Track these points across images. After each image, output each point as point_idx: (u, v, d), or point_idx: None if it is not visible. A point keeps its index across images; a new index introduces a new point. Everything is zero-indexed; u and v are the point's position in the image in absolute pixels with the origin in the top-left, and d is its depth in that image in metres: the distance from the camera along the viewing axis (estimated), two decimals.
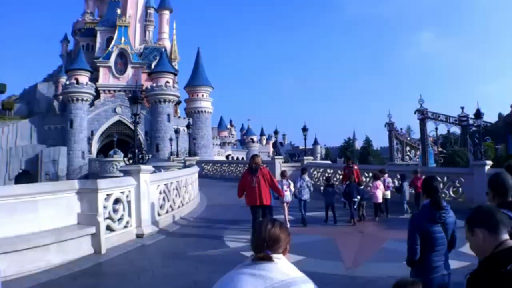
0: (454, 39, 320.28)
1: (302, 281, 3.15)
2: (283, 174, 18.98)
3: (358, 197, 18.34)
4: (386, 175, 20.88)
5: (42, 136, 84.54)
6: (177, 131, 70.20)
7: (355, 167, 23.20)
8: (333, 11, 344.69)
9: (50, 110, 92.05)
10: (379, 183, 19.23)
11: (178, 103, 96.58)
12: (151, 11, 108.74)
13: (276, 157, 42.96)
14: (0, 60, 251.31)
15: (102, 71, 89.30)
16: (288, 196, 17.51)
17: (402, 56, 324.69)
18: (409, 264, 6.02)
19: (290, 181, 18.60)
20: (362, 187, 20.30)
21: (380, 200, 18.86)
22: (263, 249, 3.24)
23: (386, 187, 19.98)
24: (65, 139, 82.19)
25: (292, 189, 18.25)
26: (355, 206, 18.23)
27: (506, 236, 3.36)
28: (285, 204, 17.29)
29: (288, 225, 15.36)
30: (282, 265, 3.21)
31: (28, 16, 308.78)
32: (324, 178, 29.12)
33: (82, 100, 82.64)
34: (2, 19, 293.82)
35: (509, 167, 6.39)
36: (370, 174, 25.83)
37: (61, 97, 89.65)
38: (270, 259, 3.20)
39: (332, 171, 31.59)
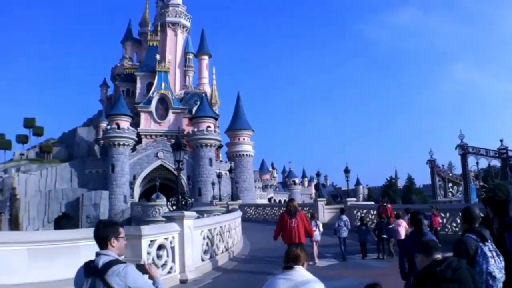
0: (487, 69, 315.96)
1: (315, 281, 4.96)
2: (313, 216, 22.15)
3: (385, 236, 20.56)
4: (409, 214, 21.02)
5: (83, 179, 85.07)
6: (219, 176, 69.96)
7: (388, 206, 24.71)
8: (366, 48, 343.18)
9: (91, 154, 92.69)
10: (401, 221, 20.32)
11: (220, 147, 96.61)
12: (190, 56, 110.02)
13: (318, 199, 42.85)
14: (39, 104, 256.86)
15: (143, 116, 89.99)
16: (317, 235, 19.71)
17: (437, 90, 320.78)
18: (403, 278, 8.33)
19: (319, 222, 21.73)
20: (392, 225, 20.95)
21: (403, 236, 19.65)
22: (289, 262, 5.16)
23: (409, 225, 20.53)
24: (106, 183, 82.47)
25: (321, 229, 21.21)
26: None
27: (437, 256, 5.15)
28: (314, 243, 19.30)
29: (317, 261, 18.95)
30: (302, 272, 5.06)
31: (65, 61, 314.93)
32: (358, 218, 30.71)
33: (124, 145, 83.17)
34: (40, 63, 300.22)
35: (485, 200, 7.64)
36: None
37: (102, 141, 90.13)
38: (293, 268, 5.09)
39: (374, 211, 31.21)
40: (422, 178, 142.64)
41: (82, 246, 10.88)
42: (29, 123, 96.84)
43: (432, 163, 49.81)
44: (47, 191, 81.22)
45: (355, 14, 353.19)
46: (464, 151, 44.32)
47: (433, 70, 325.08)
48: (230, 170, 68.29)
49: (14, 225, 74.77)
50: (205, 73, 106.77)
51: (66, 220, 78.59)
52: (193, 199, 29.33)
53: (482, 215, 6.55)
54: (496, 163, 48.02)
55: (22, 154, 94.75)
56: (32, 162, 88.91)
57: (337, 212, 34.30)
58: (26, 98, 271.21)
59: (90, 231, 12.71)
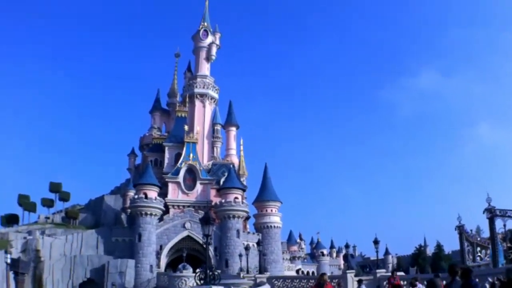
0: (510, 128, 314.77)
1: None
2: (339, 285, 25.90)
3: None
4: (418, 283, 23.83)
5: (109, 247, 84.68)
6: (247, 248, 69.99)
7: (397, 276, 27.84)
8: (389, 114, 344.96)
9: (118, 222, 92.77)
10: None
11: (247, 218, 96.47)
12: (218, 127, 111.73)
13: (348, 271, 42.51)
14: (65, 170, 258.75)
15: (171, 187, 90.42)
16: None
17: (462, 152, 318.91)
18: None
19: None
20: None
21: None
22: None
23: None
24: (133, 251, 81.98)
25: None
26: None
27: None
28: None
29: None
30: None
31: (94, 130, 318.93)
32: None
33: (151, 214, 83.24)
34: (69, 132, 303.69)
35: (449, 267, 9.62)
36: (425, 282, 26.32)
37: (129, 210, 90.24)
38: None
39: (405, 282, 31.40)
40: (451, 244, 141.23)
41: None
42: (55, 187, 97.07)
43: (460, 228, 49.81)
44: (72, 256, 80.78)
45: (375, 79, 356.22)
46: (492, 214, 44.43)
47: (457, 132, 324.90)
48: (258, 243, 68.13)
49: (38, 286, 74.65)
50: (233, 144, 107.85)
51: (91, 286, 78.25)
52: (219, 271, 29.67)
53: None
54: None
55: (47, 218, 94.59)
56: (58, 226, 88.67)
57: (367, 284, 34.60)
58: (53, 163, 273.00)
59: None
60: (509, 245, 48.73)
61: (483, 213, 45.47)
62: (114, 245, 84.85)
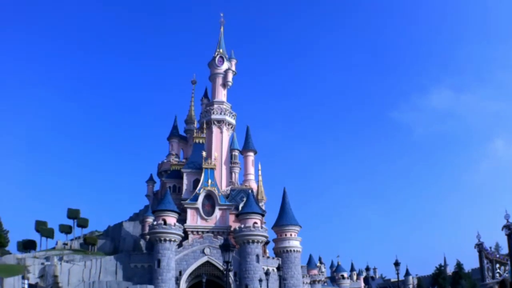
0: None
1: None
2: None
3: None
4: None
5: (128, 273, 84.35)
6: (267, 273, 69.45)
7: None
8: (403, 135, 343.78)
9: (136, 248, 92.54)
10: None
11: (267, 243, 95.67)
12: (236, 153, 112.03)
13: None
14: (83, 197, 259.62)
15: (189, 213, 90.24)
16: None
17: (478, 170, 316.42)
18: None
19: None
20: None
21: None
22: None
23: None
24: (152, 277, 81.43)
25: None
26: None
27: None
28: None
29: None
30: None
31: (112, 158, 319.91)
32: None
33: (170, 240, 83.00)
34: (85, 159, 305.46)
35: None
36: None
37: (148, 236, 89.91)
38: None
39: None
40: (471, 262, 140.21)
41: None
42: (73, 214, 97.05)
43: (480, 246, 49.37)
44: (91, 282, 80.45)
45: (386, 100, 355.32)
46: (510, 230, 44.15)
47: (473, 149, 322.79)
48: (278, 268, 67.67)
49: None
50: (251, 169, 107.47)
51: None
52: None
53: None
54: None
55: (65, 244, 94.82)
56: (76, 253, 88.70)
57: None
58: (72, 190, 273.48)
59: None
60: None
61: (502, 230, 45.28)
62: (133, 271, 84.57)
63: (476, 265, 58.10)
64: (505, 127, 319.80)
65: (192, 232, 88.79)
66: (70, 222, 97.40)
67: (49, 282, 77.58)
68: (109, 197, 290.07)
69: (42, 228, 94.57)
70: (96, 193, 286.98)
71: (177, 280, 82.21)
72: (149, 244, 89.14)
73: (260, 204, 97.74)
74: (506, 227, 44.31)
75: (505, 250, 61.89)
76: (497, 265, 49.06)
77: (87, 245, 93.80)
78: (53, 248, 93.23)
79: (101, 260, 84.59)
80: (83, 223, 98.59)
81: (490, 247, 53.77)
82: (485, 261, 48.85)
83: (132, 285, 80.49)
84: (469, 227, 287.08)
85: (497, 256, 52.33)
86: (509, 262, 45.46)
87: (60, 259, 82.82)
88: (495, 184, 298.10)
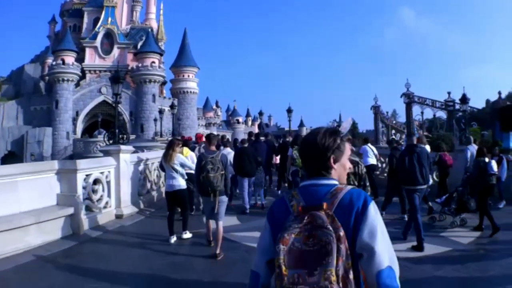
0: (437, 17, 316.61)
1: None
2: None
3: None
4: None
5: (28, 117, 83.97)
6: (161, 112, 70.12)
7: None
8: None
9: (37, 91, 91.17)
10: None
11: (164, 83, 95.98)
12: None
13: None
14: None
15: (88, 52, 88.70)
16: None
17: (383, 36, 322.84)
18: None
19: None
20: None
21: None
22: None
23: None
24: (50, 119, 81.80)
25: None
26: None
27: None
28: None
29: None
30: None
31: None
32: None
33: (68, 80, 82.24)
34: None
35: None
36: None
37: (47, 77, 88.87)
38: None
39: None
40: (366, 123, 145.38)
41: (20, 182, 11.06)
42: None
43: (376, 109, 50.29)
44: None
45: None
46: (409, 99, 45.18)
47: (379, 14, 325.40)
48: (171, 106, 68.04)
49: None
50: (153, 9, 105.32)
51: (12, 158, 77.61)
52: (134, 135, 29.65)
53: None
54: (441, 114, 49.06)
55: None
56: None
57: None
58: None
59: (28, 166, 13.02)
60: (425, 133, 49.98)
61: (401, 97, 46.19)
62: (33, 115, 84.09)
63: (371, 127, 59.67)
64: None
65: (89, 71, 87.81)
66: None
67: None
68: (11, 40, 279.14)
69: None
70: None
71: (74, 120, 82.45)
72: (49, 86, 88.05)
73: (160, 44, 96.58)
74: (405, 95, 45.30)
75: (402, 118, 63.42)
76: (393, 131, 50.55)
77: None
78: None
79: (4, 106, 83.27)
80: None
81: (387, 112, 55.18)
82: (381, 125, 50.21)
83: (31, 129, 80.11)
84: (368, 90, 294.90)
85: (394, 122, 53.90)
86: (405, 131, 46.62)
87: None
88: (398, 53, 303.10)
